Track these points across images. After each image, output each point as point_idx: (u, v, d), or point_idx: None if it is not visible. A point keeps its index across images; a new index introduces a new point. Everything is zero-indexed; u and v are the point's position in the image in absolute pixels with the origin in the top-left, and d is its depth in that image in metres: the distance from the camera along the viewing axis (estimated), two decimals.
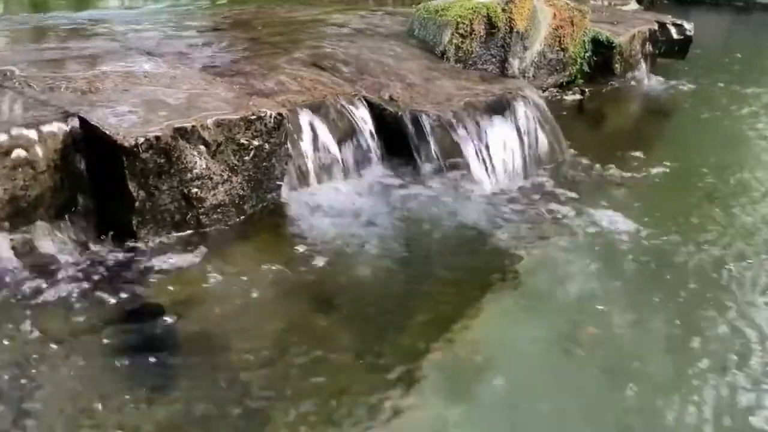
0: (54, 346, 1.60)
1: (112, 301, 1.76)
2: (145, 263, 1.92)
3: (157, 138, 1.94)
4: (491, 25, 3.26)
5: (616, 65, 3.85)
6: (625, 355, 1.73)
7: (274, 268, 1.96)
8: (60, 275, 1.83)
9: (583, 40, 3.70)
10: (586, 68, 3.76)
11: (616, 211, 2.40)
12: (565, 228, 2.30)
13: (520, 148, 2.67)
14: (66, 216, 1.98)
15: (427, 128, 2.52)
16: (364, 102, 2.58)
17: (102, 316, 1.71)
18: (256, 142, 2.16)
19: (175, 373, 1.57)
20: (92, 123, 1.96)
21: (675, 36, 4.30)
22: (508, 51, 3.33)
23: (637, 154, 2.95)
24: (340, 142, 2.47)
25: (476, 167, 2.53)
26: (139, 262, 1.92)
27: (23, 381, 1.49)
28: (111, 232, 2.00)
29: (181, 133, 1.99)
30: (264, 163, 2.20)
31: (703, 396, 1.58)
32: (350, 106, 2.53)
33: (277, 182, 2.27)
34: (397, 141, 2.55)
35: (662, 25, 4.26)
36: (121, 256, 1.94)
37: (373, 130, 2.55)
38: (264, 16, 3.75)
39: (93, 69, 2.44)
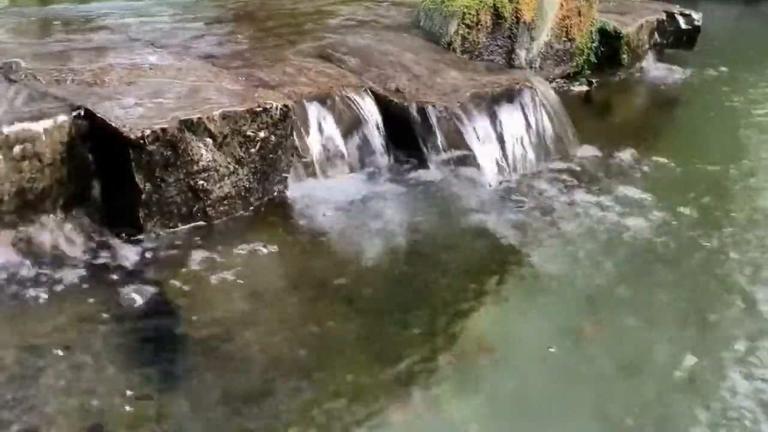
0: (60, 338, 1.60)
1: (119, 293, 1.76)
2: (151, 255, 1.92)
3: (164, 130, 1.94)
4: (498, 16, 3.24)
5: (624, 56, 3.82)
6: (635, 348, 1.72)
7: (280, 259, 1.96)
8: (66, 268, 1.83)
9: (591, 31, 3.67)
10: (593, 59, 3.73)
11: (626, 201, 2.39)
12: (574, 218, 2.29)
13: (527, 139, 2.66)
14: (72, 209, 1.98)
15: (434, 120, 2.51)
16: (370, 94, 2.57)
17: (109, 309, 1.71)
18: (262, 134, 2.15)
19: (183, 364, 1.57)
20: (98, 115, 1.96)
21: (683, 26, 4.26)
22: (515, 42, 3.31)
23: (646, 144, 2.94)
24: (346, 134, 2.46)
25: (483, 158, 2.52)
26: (145, 254, 1.92)
27: (29, 374, 1.49)
28: (117, 225, 2.00)
29: (187, 125, 1.99)
30: (270, 155, 2.20)
31: (715, 390, 1.57)
32: (356, 98, 2.52)
33: (283, 174, 2.26)
34: (404, 133, 2.54)
35: (670, 15, 4.21)
36: (127, 248, 1.94)
37: (380, 122, 2.54)
38: (269, 8, 3.74)
39: (98, 61, 2.43)
